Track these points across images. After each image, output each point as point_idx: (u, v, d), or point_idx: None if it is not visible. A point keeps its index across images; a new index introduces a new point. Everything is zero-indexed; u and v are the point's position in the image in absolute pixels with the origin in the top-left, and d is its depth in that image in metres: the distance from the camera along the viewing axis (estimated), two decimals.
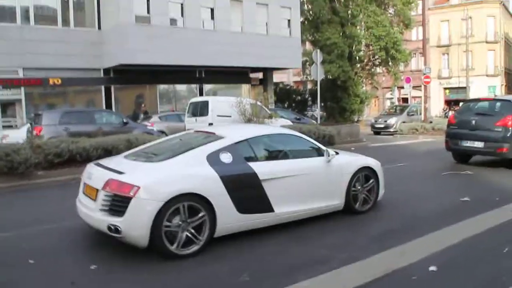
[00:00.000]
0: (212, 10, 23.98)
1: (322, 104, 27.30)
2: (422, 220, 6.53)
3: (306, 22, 29.56)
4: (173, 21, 22.93)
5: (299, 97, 32.43)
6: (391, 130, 25.41)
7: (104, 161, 5.99)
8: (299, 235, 5.85)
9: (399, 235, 5.70)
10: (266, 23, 26.04)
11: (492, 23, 47.01)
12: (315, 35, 29.00)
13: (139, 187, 4.82)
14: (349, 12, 28.82)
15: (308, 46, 31.81)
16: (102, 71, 22.97)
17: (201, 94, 25.52)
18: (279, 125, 14.55)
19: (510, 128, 10.56)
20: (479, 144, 11.04)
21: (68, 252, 5.37)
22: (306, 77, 30.89)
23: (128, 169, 5.28)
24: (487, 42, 46.62)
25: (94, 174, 5.45)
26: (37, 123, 14.88)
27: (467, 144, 11.32)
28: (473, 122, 11.23)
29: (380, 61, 29.44)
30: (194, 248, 5.07)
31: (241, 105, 15.17)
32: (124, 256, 5.08)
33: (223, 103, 16.42)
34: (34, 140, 11.45)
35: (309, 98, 31.97)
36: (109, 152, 11.04)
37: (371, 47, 29.23)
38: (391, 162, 11.72)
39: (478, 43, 45.66)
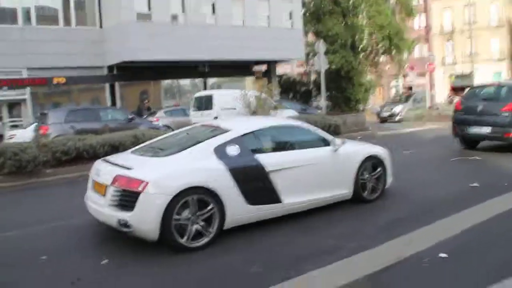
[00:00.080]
0: (213, 4, 23.95)
1: (327, 94, 27.19)
2: (431, 207, 6.51)
3: (307, 13, 29.40)
4: (174, 17, 22.92)
5: (303, 88, 32.30)
6: (397, 118, 25.35)
7: (112, 158, 6.03)
8: (307, 226, 5.86)
9: (408, 223, 5.68)
10: (268, 16, 25.97)
11: (495, 9, 46.54)
12: (317, 26, 28.85)
13: (147, 182, 4.84)
14: (351, 2, 28.63)
15: (310, 37, 31.63)
16: (105, 68, 23.00)
17: (205, 88, 25.53)
18: (285, 116, 14.55)
19: None
20: (486, 130, 10.98)
21: (78, 248, 5.41)
22: (310, 68, 30.76)
23: (136, 165, 5.31)
24: (490, 27, 46.20)
25: (102, 171, 5.48)
26: (43, 122, 14.95)
27: (474, 130, 11.26)
28: (480, 107, 11.17)
29: (383, 50, 29.27)
30: (204, 240, 5.10)
31: (246, 98, 15.15)
32: (134, 250, 5.12)
33: (228, 96, 16.42)
34: (40, 139, 11.52)
35: (314, 89, 31.85)
36: (116, 148, 11.08)
37: (374, 36, 29.05)
38: (398, 150, 11.67)
39: (482, 29, 45.26)
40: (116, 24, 21.54)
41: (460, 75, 46.63)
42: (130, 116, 16.55)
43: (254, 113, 14.74)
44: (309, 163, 6.18)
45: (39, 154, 10.39)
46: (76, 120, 15.18)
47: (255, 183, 5.61)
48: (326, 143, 6.59)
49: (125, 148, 9.57)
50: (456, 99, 33.31)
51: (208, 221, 5.13)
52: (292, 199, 5.92)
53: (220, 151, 5.51)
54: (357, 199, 6.71)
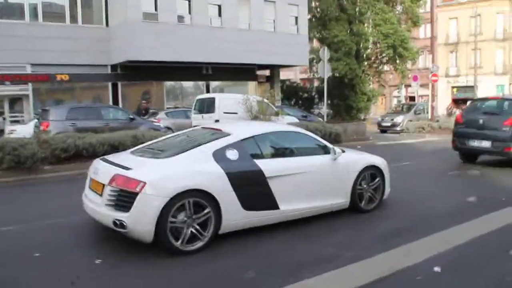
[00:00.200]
0: (219, 7, 23.97)
1: (329, 101, 27.23)
2: (428, 219, 6.50)
3: (313, 19, 29.47)
4: (180, 18, 22.94)
5: (305, 95, 32.35)
6: (398, 128, 25.34)
7: (111, 157, 6.02)
8: (304, 233, 5.84)
9: (405, 234, 5.68)
10: (274, 20, 26.00)
11: (501, 21, 46.54)
12: (322, 33, 28.90)
13: (145, 183, 4.83)
14: (357, 9, 28.69)
15: (315, 43, 31.69)
16: (109, 67, 23.04)
17: (208, 91, 25.55)
18: (286, 122, 14.55)
19: None
20: (486, 144, 10.97)
21: (73, 246, 5.40)
22: (313, 75, 30.80)
23: (135, 165, 5.30)
24: (496, 40, 46.22)
25: (101, 170, 5.47)
26: (44, 119, 14.96)
27: (474, 144, 11.25)
28: (481, 121, 11.15)
29: (387, 59, 29.31)
30: (199, 244, 5.08)
31: (248, 102, 15.16)
32: (129, 251, 5.11)
33: (230, 100, 16.40)
34: (41, 135, 11.54)
35: (316, 96, 31.90)
36: (115, 148, 11.09)
37: (378, 45, 29.09)
38: (398, 161, 11.68)
39: (486, 41, 45.28)
40: (122, 23, 21.59)
41: (463, 87, 46.66)
42: (131, 116, 16.55)
43: (255, 118, 14.74)
44: (308, 171, 6.17)
45: (38, 151, 10.40)
46: (77, 117, 15.16)
47: (253, 189, 5.60)
48: (325, 151, 6.58)
49: (124, 148, 9.58)
50: (456, 111, 33.39)
51: (204, 225, 5.12)
52: (290, 206, 5.90)
53: (219, 155, 5.50)
54: (354, 208, 6.70)
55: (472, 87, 41.78)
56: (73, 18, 22.23)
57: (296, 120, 17.98)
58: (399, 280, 4.34)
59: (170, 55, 21.76)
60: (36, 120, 16.03)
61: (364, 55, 29.46)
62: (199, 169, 5.27)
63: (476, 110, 11.82)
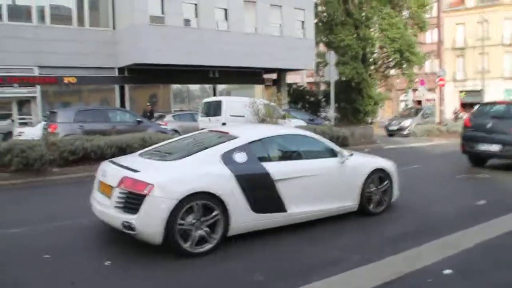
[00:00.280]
0: (226, 10, 24.03)
1: (336, 105, 27.19)
2: (437, 223, 6.47)
3: (320, 23, 29.48)
4: (187, 22, 23.02)
5: (312, 98, 32.31)
6: (405, 132, 25.25)
7: (119, 159, 6.04)
8: (312, 236, 5.83)
9: (413, 238, 5.64)
10: (280, 24, 26.03)
11: (509, 26, 46.34)
12: (329, 37, 28.91)
13: (153, 185, 4.84)
14: (363, 14, 28.67)
15: (322, 47, 31.69)
16: (116, 70, 23.12)
17: (214, 94, 25.58)
18: (293, 125, 14.53)
19: None
20: (495, 148, 10.91)
21: (82, 248, 5.41)
22: (320, 79, 30.78)
23: (143, 167, 5.30)
24: (503, 44, 46.03)
25: (109, 172, 5.48)
26: (52, 121, 15.03)
27: (483, 147, 11.19)
28: (489, 125, 11.10)
29: (394, 63, 29.26)
30: (208, 246, 5.08)
31: (255, 106, 15.16)
32: (138, 253, 5.11)
33: (237, 103, 16.41)
34: (49, 138, 11.58)
35: (323, 99, 31.86)
36: (123, 150, 11.11)
37: (385, 49, 29.05)
38: (405, 165, 11.60)
39: (494, 46, 45.11)
40: (129, 26, 21.67)
41: (471, 91, 46.47)
42: (138, 119, 16.59)
43: (262, 121, 14.73)
44: (316, 174, 6.15)
45: (46, 153, 10.44)
46: (85, 120, 15.21)
47: (261, 191, 5.59)
48: (333, 154, 6.56)
49: (132, 151, 9.59)
50: (462, 115, 33.20)
51: (212, 227, 5.12)
52: (297, 208, 5.89)
53: (227, 158, 5.50)
54: (362, 211, 6.68)
55: (479, 91, 41.57)
56: (80, 21, 22.34)
57: (303, 123, 17.96)
58: (408, 284, 4.31)
59: (177, 58, 21.81)
60: (44, 122, 16.09)
61: (371, 59, 29.42)
62: (207, 172, 5.28)
63: (485, 114, 11.76)
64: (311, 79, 38.11)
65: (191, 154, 5.58)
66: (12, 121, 21.00)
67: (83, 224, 6.26)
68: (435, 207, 7.46)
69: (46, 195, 9.09)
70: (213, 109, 17.00)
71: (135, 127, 15.40)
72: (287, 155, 6.30)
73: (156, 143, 8.67)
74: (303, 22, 26.92)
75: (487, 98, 36.28)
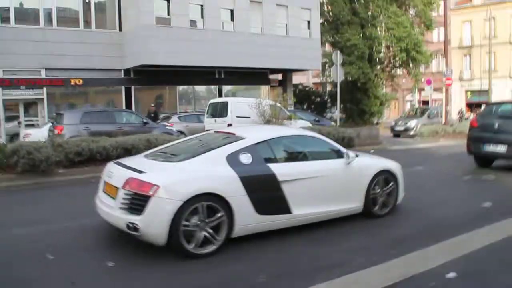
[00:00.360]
0: (231, 11, 24.03)
1: (342, 106, 27.15)
2: (442, 225, 6.43)
3: (326, 23, 29.42)
4: (193, 23, 23.04)
5: (318, 99, 32.30)
6: (411, 133, 25.15)
7: (125, 160, 6.05)
8: (316, 238, 5.82)
9: (418, 240, 5.61)
10: (286, 24, 25.99)
11: None
12: (335, 37, 28.84)
13: (159, 186, 4.85)
14: (369, 13, 28.58)
15: (327, 47, 31.63)
16: (122, 71, 23.19)
17: (220, 95, 25.60)
18: (299, 126, 14.53)
19: None
20: (502, 148, 10.83)
21: (86, 249, 5.43)
22: (326, 79, 30.73)
23: (148, 169, 5.32)
24: (511, 43, 45.73)
25: (115, 173, 5.50)
26: (59, 123, 15.10)
27: (490, 148, 11.11)
28: (496, 125, 11.01)
29: (400, 62, 29.14)
30: (212, 248, 5.09)
31: (261, 106, 15.17)
32: (142, 254, 5.12)
33: (243, 104, 16.42)
34: (55, 139, 11.64)
35: (328, 100, 31.83)
36: (128, 151, 11.15)
37: (391, 49, 28.95)
38: (411, 166, 11.57)
39: (501, 44, 44.81)
40: (135, 27, 21.73)
41: (477, 91, 46.22)
42: (144, 120, 16.64)
43: (268, 122, 14.74)
44: (321, 175, 6.14)
45: (52, 154, 10.50)
46: (91, 121, 15.28)
47: (266, 193, 5.59)
48: (339, 155, 6.55)
49: (137, 152, 9.62)
50: (468, 115, 33.01)
51: (217, 228, 5.12)
52: (302, 210, 5.88)
53: (233, 159, 5.50)
54: (367, 213, 6.66)
55: (486, 91, 41.35)
56: (87, 23, 22.43)
57: (309, 124, 17.95)
58: (413, 286, 4.29)
59: (183, 60, 21.85)
60: (50, 124, 16.17)
61: (377, 59, 29.32)
62: (212, 173, 5.28)
63: (492, 114, 11.67)
64: (317, 80, 38.05)
65: (197, 155, 5.59)
66: (19, 123, 21.12)
67: (87, 224, 6.28)
68: (440, 209, 7.42)
69: (51, 196, 9.13)
70: (219, 110, 17.02)
71: (141, 128, 15.45)
72: (293, 156, 6.30)
73: (161, 144, 8.69)
74: (309, 22, 26.87)
75: (493, 98, 36.10)
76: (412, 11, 29.69)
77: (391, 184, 6.92)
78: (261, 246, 5.46)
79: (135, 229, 4.85)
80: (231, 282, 4.47)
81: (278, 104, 16.32)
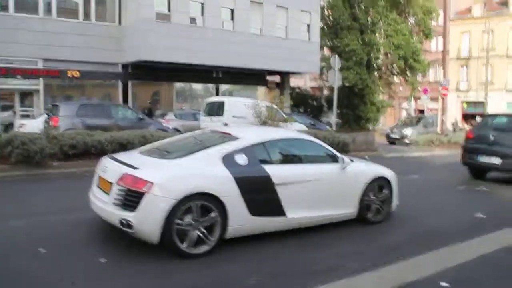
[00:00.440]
0: (232, 10, 24.02)
1: (338, 111, 27.21)
2: (435, 234, 6.44)
3: (325, 27, 29.47)
4: (193, 20, 23.00)
5: (314, 103, 32.33)
6: (407, 141, 25.23)
7: (120, 155, 6.00)
8: (310, 242, 5.81)
9: (411, 248, 5.62)
10: (286, 27, 26.00)
11: None
12: (334, 41, 28.90)
13: (153, 183, 4.82)
14: (369, 19, 28.66)
15: (326, 51, 31.68)
16: (120, 66, 23.08)
17: (217, 94, 25.56)
18: (294, 129, 14.52)
19: None
20: (496, 160, 10.87)
21: (79, 244, 5.39)
22: (323, 83, 30.78)
23: (144, 165, 5.28)
24: (508, 56, 45.94)
25: (109, 168, 5.46)
26: (54, 114, 15.02)
27: (484, 160, 11.15)
28: (491, 137, 11.06)
29: (398, 70, 29.24)
30: (204, 248, 5.06)
31: (257, 107, 15.15)
32: (134, 251, 5.09)
33: (239, 104, 16.41)
34: (50, 131, 11.58)
35: (325, 104, 31.87)
36: (124, 146, 11.11)
37: (389, 56, 29.04)
38: (406, 174, 11.58)
39: (499, 57, 45.03)
40: (135, 21, 21.66)
41: (473, 102, 46.41)
42: (140, 116, 16.58)
43: (264, 123, 14.72)
44: (316, 179, 6.13)
45: (46, 146, 10.43)
46: (87, 114, 15.22)
47: (261, 194, 5.57)
48: (334, 160, 6.54)
49: (133, 147, 9.58)
50: (461, 126, 33.10)
51: (210, 228, 5.09)
52: (296, 213, 5.86)
53: (228, 159, 5.48)
54: (361, 219, 6.65)
55: (482, 102, 41.51)
56: (86, 15, 22.32)
57: (304, 127, 17.95)
58: None
59: (182, 57, 21.79)
60: (46, 115, 16.09)
61: (375, 65, 29.40)
62: (207, 172, 5.26)
63: (487, 126, 11.73)
64: (314, 83, 38.08)
65: (192, 153, 5.56)
66: (14, 113, 20.98)
67: (80, 219, 6.23)
68: (434, 218, 7.43)
69: (45, 189, 9.06)
70: (216, 109, 17.01)
71: (137, 124, 15.41)
72: (288, 159, 6.29)
73: (157, 140, 8.65)
74: (308, 25, 26.90)
75: (489, 110, 36.25)
76: (411, 19, 29.81)
77: (385, 191, 6.92)
78: (256, 248, 5.44)
79: (129, 225, 4.82)
80: (224, 283, 4.45)
81: (274, 106, 16.31)
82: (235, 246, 5.35)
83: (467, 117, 45.57)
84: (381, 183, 6.89)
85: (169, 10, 21.96)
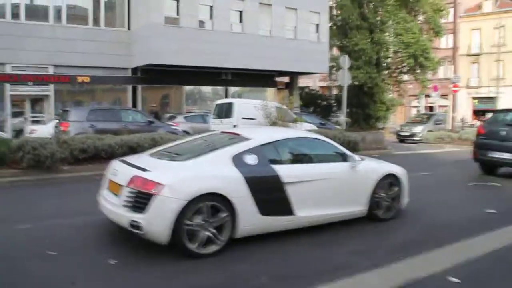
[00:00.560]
0: (241, 13, 24.02)
1: (348, 110, 27.12)
2: (446, 230, 6.41)
3: (334, 27, 29.39)
4: (201, 23, 23.05)
5: (324, 102, 32.23)
6: (417, 138, 25.09)
7: (129, 158, 6.05)
8: (320, 240, 5.80)
9: (422, 245, 5.59)
10: (295, 28, 25.97)
11: None
12: (343, 41, 28.79)
13: (163, 185, 4.84)
14: (378, 18, 28.52)
15: (335, 51, 31.57)
16: (130, 70, 23.22)
17: (226, 96, 25.60)
18: (304, 129, 14.50)
19: None
20: (508, 156, 10.78)
21: (88, 246, 5.42)
22: (332, 83, 30.67)
23: (153, 167, 5.31)
24: None
25: (119, 171, 5.50)
26: (65, 119, 15.14)
27: (496, 155, 11.07)
28: (503, 133, 10.99)
29: (408, 68, 29.05)
30: (214, 248, 5.07)
31: (267, 108, 15.15)
32: (144, 253, 5.11)
33: (249, 105, 16.43)
34: (61, 136, 11.67)
35: (334, 104, 31.76)
36: (133, 150, 11.15)
37: (399, 54, 28.87)
38: (416, 171, 11.50)
39: (510, 52, 44.62)
40: (144, 26, 21.78)
41: (484, 98, 46.04)
42: (150, 119, 16.67)
43: (273, 124, 14.71)
44: (326, 178, 6.13)
45: (57, 151, 10.52)
46: (97, 119, 15.31)
47: (270, 194, 5.57)
48: (344, 158, 6.53)
49: (142, 150, 9.60)
50: (473, 123, 32.82)
51: (220, 228, 5.11)
52: (306, 212, 5.86)
53: (238, 159, 5.49)
54: (371, 217, 6.63)
55: (493, 98, 41.14)
56: (96, 21, 22.51)
57: (314, 127, 17.91)
58: None
59: (191, 60, 21.84)
60: (56, 121, 16.22)
61: (385, 64, 29.24)
62: (217, 173, 5.27)
63: (499, 122, 11.65)
64: (323, 83, 37.98)
65: (202, 155, 5.58)
66: (25, 118, 21.19)
67: (90, 222, 6.28)
68: (445, 215, 7.40)
69: (55, 193, 9.13)
70: (225, 111, 17.04)
71: (146, 127, 15.48)
72: (298, 158, 6.29)
73: (166, 143, 8.68)
74: (317, 25, 26.83)
75: (500, 106, 35.92)
76: (421, 17, 29.60)
77: (395, 188, 6.90)
78: (265, 247, 5.44)
79: (138, 227, 4.85)
80: (232, 283, 4.45)
81: (284, 107, 16.29)
82: (245, 246, 5.35)
83: (478, 114, 45.21)
84: (391, 180, 6.87)
85: (177, 13, 22.03)
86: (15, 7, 20.59)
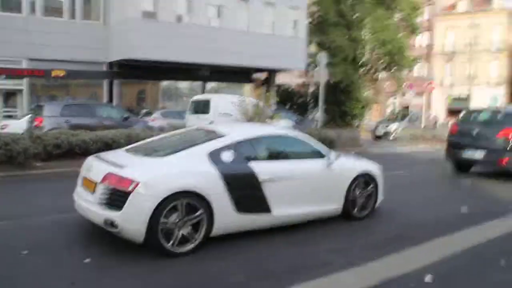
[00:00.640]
0: (219, 8, 23.92)
1: (324, 107, 27.27)
2: (420, 228, 6.49)
3: (312, 24, 29.46)
4: (179, 18, 22.87)
5: (301, 99, 32.31)
6: (392, 136, 25.38)
7: (104, 155, 5.96)
8: (295, 239, 5.81)
9: (397, 243, 5.65)
10: (273, 23, 25.95)
11: (498, 32, 46.72)
12: (321, 38, 28.89)
13: (138, 182, 4.79)
14: (356, 15, 28.69)
15: (313, 48, 31.66)
16: (106, 65, 22.91)
17: (203, 92, 25.47)
18: (281, 126, 14.51)
19: (511, 140, 10.52)
20: (479, 154, 10.98)
21: (62, 245, 5.33)
22: (309, 80, 30.76)
23: (128, 164, 5.25)
24: (491, 51, 46.40)
25: (94, 167, 5.42)
26: (38, 114, 14.87)
27: (468, 154, 11.26)
28: (475, 132, 11.17)
29: (384, 66, 29.33)
30: (190, 246, 5.04)
31: (244, 105, 15.11)
32: (119, 251, 5.05)
33: (225, 101, 16.35)
34: (34, 131, 11.45)
35: (311, 101, 31.87)
36: (109, 146, 11.02)
37: (376, 52, 29.11)
38: (390, 170, 11.61)
39: (483, 52, 45.47)
40: (120, 20, 21.51)
41: (458, 97, 46.81)
42: (126, 115, 16.48)
43: (250, 120, 14.68)
44: (302, 175, 6.14)
45: (30, 146, 10.32)
46: (72, 114, 15.10)
47: (246, 191, 5.56)
48: (321, 155, 6.55)
49: (118, 146, 9.50)
50: (442, 121, 33.35)
51: (196, 227, 5.08)
52: (282, 210, 5.86)
53: (214, 156, 5.46)
54: (346, 215, 6.67)
55: (466, 97, 41.89)
56: (72, 14, 22.13)
57: (291, 124, 17.95)
58: None
59: (168, 55, 21.66)
60: (30, 116, 15.90)
61: (361, 62, 29.46)
62: (193, 170, 5.24)
63: (471, 121, 11.84)
64: (300, 80, 38.10)
65: (178, 152, 5.53)
66: None
67: (64, 220, 6.18)
68: (419, 213, 7.50)
69: (28, 190, 8.95)
70: (202, 107, 16.93)
71: (122, 123, 15.32)
72: (274, 155, 6.26)
73: (142, 139, 8.60)
74: (295, 21, 26.87)
75: (473, 105, 36.60)
76: (398, 15, 29.89)
77: (370, 186, 6.95)
78: (242, 246, 5.43)
79: (113, 225, 4.80)
80: (208, 281, 4.44)
81: (261, 103, 16.27)
82: (221, 245, 5.33)
83: (452, 112, 45.95)
84: (367, 178, 6.91)
85: (155, 7, 21.81)
86: None
